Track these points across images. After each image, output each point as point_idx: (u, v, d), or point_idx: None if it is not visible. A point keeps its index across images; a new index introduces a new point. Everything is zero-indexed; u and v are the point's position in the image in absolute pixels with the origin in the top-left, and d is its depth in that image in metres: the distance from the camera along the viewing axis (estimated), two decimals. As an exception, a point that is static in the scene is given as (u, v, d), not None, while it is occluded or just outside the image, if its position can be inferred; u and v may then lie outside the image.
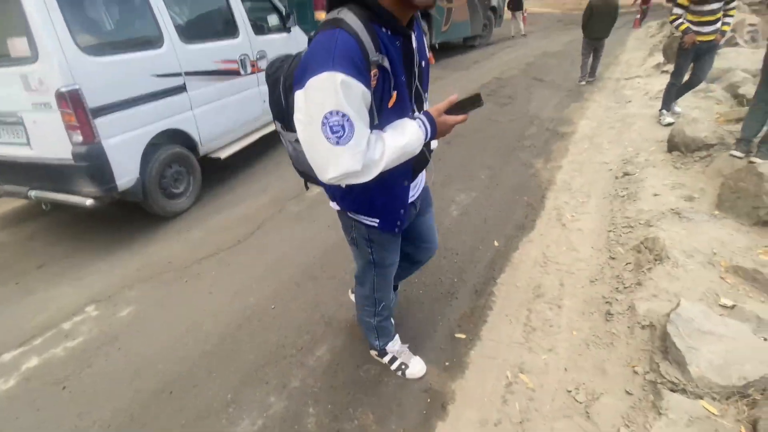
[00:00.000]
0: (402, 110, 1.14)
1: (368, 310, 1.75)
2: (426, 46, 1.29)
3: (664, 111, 4.73)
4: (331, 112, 0.95)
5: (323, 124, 0.96)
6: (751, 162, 2.90)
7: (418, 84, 1.21)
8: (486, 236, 2.97)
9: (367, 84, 0.99)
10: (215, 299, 2.40)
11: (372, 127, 1.08)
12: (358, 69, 0.95)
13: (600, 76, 7.51)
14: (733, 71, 5.89)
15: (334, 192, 1.37)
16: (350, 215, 1.40)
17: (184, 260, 2.76)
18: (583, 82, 7.15)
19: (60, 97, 2.43)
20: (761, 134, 3.20)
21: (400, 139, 1.09)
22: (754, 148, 3.20)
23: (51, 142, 2.61)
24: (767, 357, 1.57)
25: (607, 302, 2.20)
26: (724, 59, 6.57)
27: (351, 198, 1.33)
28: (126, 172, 2.81)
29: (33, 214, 3.44)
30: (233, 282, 2.53)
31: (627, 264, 2.44)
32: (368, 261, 1.53)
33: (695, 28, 4.18)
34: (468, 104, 1.17)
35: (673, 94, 4.64)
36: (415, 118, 1.14)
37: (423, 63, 1.22)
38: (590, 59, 7.07)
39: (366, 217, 1.37)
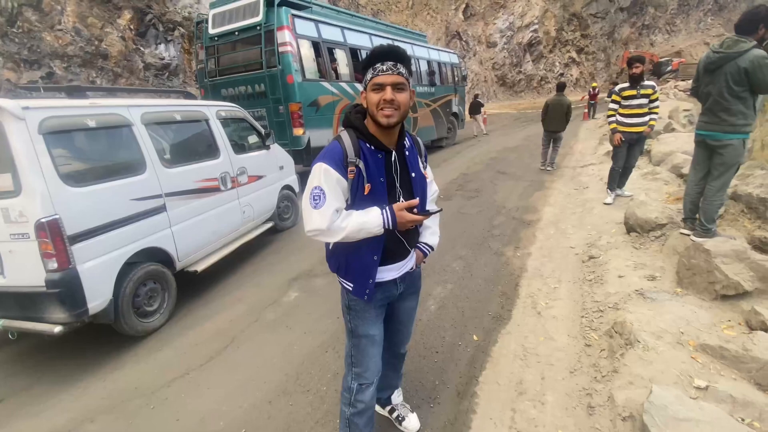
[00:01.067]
0: (375, 200, 1.49)
1: (345, 397, 1.75)
2: (420, 163, 1.66)
3: (608, 191, 5.41)
4: (315, 187, 1.43)
5: (310, 193, 1.44)
6: (692, 240, 3.11)
7: (399, 188, 1.55)
8: (464, 330, 2.96)
9: (343, 174, 1.44)
10: (182, 427, 2.25)
11: (348, 206, 1.49)
12: (337, 164, 1.44)
13: (558, 164, 8.24)
14: (675, 153, 6.54)
15: (327, 254, 1.68)
16: (339, 280, 1.68)
17: (152, 384, 2.63)
18: (544, 168, 8.07)
19: (39, 227, 2.52)
20: (699, 215, 3.47)
21: (363, 219, 1.45)
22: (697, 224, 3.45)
23: (25, 270, 2.63)
24: (747, 442, 1.54)
25: (587, 394, 2.16)
26: (664, 144, 7.35)
27: (334, 259, 1.65)
28: (99, 295, 2.80)
29: (-4, 345, 3.30)
30: (202, 406, 2.39)
31: (602, 351, 2.45)
32: (347, 330, 1.75)
33: (626, 120, 4.93)
34: (427, 212, 1.55)
35: (615, 177, 5.31)
36: (382, 208, 1.46)
37: (413, 174, 1.60)
38: (549, 149, 7.96)
39: (345, 281, 1.65)
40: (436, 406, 2.28)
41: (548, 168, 8.01)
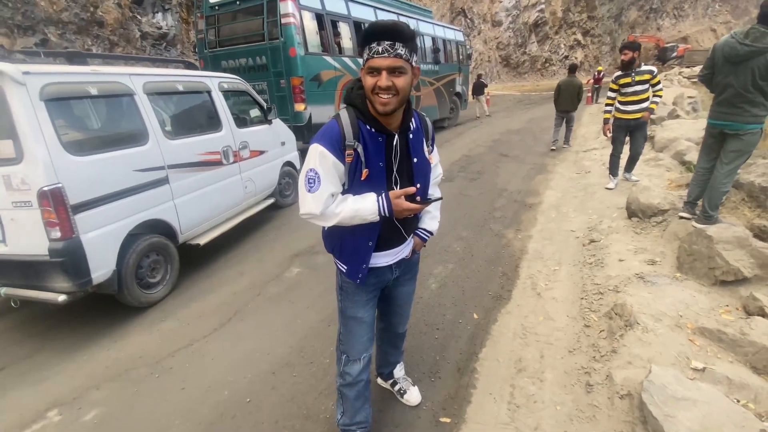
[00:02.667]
0: (373, 185, 1.43)
1: (337, 370, 1.80)
2: (425, 147, 1.57)
3: (610, 176, 5.38)
4: (311, 169, 1.38)
5: (306, 175, 1.39)
6: (693, 226, 3.13)
7: (396, 174, 1.48)
8: (465, 309, 3.00)
9: (340, 158, 1.37)
10: (187, 396, 2.29)
11: (344, 190, 1.44)
12: (334, 147, 1.36)
13: (571, 144, 8.43)
14: (678, 140, 6.51)
15: (323, 234, 1.67)
16: (334, 260, 1.67)
17: (156, 354, 2.66)
18: (554, 147, 8.30)
19: (42, 195, 2.49)
20: (703, 200, 3.48)
21: (358, 205, 1.40)
22: (698, 210, 3.47)
23: (27, 238, 2.62)
24: (742, 420, 1.59)
25: (586, 372, 2.21)
26: (668, 130, 7.30)
27: (330, 240, 1.64)
28: (102, 265, 2.80)
29: (0, 312, 3.31)
30: (207, 375, 2.43)
31: (601, 331, 2.49)
32: (338, 309, 1.76)
33: (623, 108, 4.88)
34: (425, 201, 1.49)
35: (616, 163, 5.27)
36: (378, 195, 1.41)
37: (415, 159, 1.52)
38: (562, 129, 8.23)
39: (339, 262, 1.64)
40: (437, 380, 2.33)
41: (564, 146, 8.45)
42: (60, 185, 2.54)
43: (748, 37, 2.94)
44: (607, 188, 5.24)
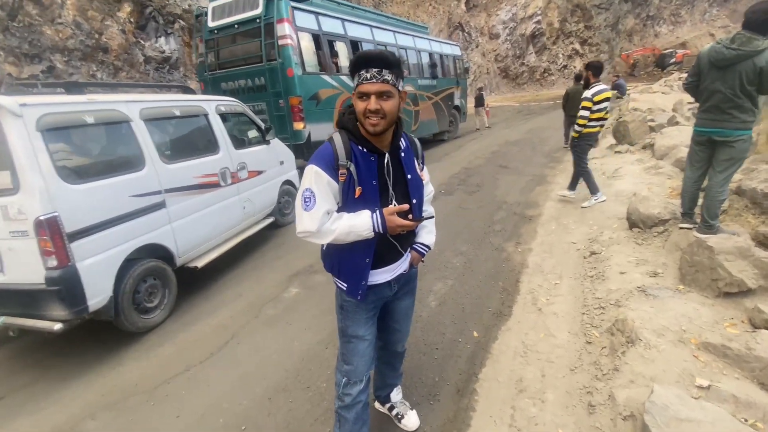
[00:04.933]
0: (367, 203, 1.48)
1: (337, 391, 1.77)
2: (417, 164, 1.64)
3: (596, 195, 5.17)
4: (306, 189, 1.44)
5: (302, 195, 1.45)
6: (694, 236, 3.08)
7: (392, 191, 1.54)
8: (465, 327, 2.95)
9: (334, 177, 1.44)
10: (183, 424, 2.26)
11: (339, 208, 1.49)
12: (328, 167, 1.43)
13: (561, 157, 8.40)
14: (678, 147, 6.47)
15: (322, 253, 1.69)
16: (333, 279, 1.69)
17: (152, 381, 2.64)
18: (567, 146, 8.79)
19: (38, 224, 2.51)
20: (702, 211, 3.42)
21: (352, 222, 1.45)
22: (699, 218, 3.43)
23: (24, 267, 2.63)
24: (749, 443, 1.53)
25: (588, 392, 2.15)
26: (668, 137, 7.26)
27: (328, 259, 1.67)
28: (99, 292, 2.80)
29: (-2, 341, 3.31)
30: (202, 402, 2.40)
31: (603, 348, 2.43)
32: (338, 329, 1.77)
33: (594, 123, 5.11)
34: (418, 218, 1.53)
35: (588, 173, 5.24)
36: (372, 212, 1.45)
37: (409, 176, 1.58)
38: (571, 131, 8.38)
39: (338, 281, 1.66)
40: (436, 403, 2.28)
41: (568, 147, 8.70)
42: (56, 214, 2.56)
43: (734, 42, 2.95)
44: (583, 206, 5.15)
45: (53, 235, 2.53)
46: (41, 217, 2.50)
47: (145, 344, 3.07)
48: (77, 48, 10.64)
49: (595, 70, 5.22)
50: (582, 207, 5.12)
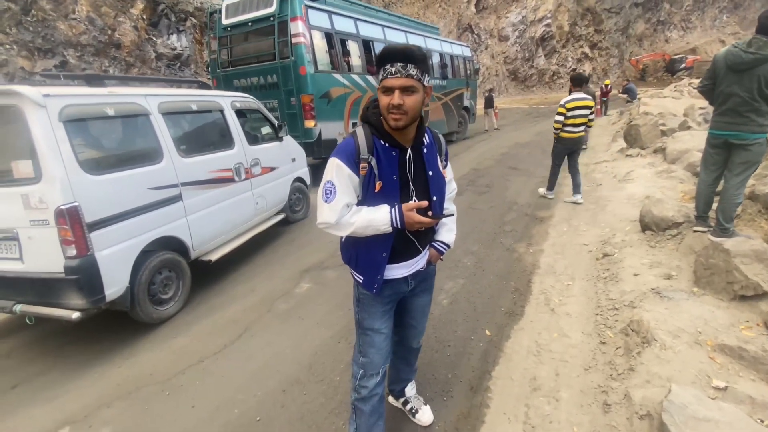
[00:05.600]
0: (387, 197, 1.49)
1: (353, 383, 1.78)
2: (439, 161, 1.64)
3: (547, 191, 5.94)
4: (328, 181, 1.47)
5: (323, 187, 1.48)
6: (710, 239, 3.07)
7: (413, 186, 1.54)
8: (477, 325, 2.96)
9: (355, 170, 1.46)
10: (197, 414, 2.28)
11: (359, 202, 1.51)
12: (350, 160, 1.45)
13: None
14: (690, 152, 6.43)
15: (341, 245, 1.72)
16: (351, 271, 1.71)
17: (167, 371, 2.66)
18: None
19: (59, 213, 2.54)
20: (717, 214, 3.41)
21: (371, 216, 1.46)
22: (713, 223, 3.41)
23: (44, 256, 2.67)
24: (769, 444, 1.52)
25: (603, 391, 2.15)
26: (680, 141, 7.22)
27: (346, 251, 1.69)
28: (116, 282, 2.83)
29: (15, 328, 3.35)
30: (217, 393, 2.42)
31: (617, 348, 2.43)
32: (355, 321, 1.79)
33: (570, 129, 5.48)
34: (437, 215, 1.55)
35: (557, 175, 5.89)
36: (392, 206, 1.46)
37: (430, 172, 1.58)
38: None
39: (355, 273, 1.67)
40: (449, 399, 2.29)
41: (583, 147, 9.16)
42: (77, 204, 2.59)
43: (751, 46, 2.95)
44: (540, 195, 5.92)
45: (73, 224, 2.57)
46: (62, 207, 2.54)
47: (159, 335, 3.10)
48: (90, 43, 10.77)
49: (574, 81, 5.59)
50: (543, 196, 5.83)
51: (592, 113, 5.48)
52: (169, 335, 3.09)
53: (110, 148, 3.09)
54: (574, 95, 5.44)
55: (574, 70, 33.96)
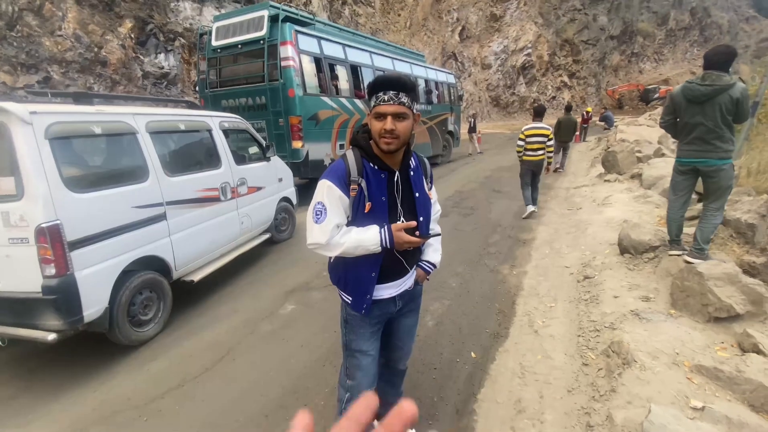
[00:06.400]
0: (376, 218, 1.53)
1: (339, 407, 1.79)
2: (425, 183, 1.71)
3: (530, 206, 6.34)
4: (318, 202, 1.50)
5: (314, 208, 1.51)
6: (686, 262, 3.19)
7: (400, 207, 1.59)
8: (463, 347, 2.97)
9: (345, 192, 1.50)
10: (177, 440, 2.21)
11: (349, 222, 1.54)
12: (340, 181, 1.49)
13: (552, 183, 8.57)
14: (665, 178, 6.69)
15: (329, 266, 1.74)
16: (339, 292, 1.72)
17: (145, 395, 2.58)
18: (556, 170, 10.17)
19: (40, 232, 2.49)
20: (696, 235, 3.55)
21: (361, 236, 1.49)
22: (686, 246, 3.55)
23: (21, 275, 2.60)
24: (745, 464, 1.57)
25: (586, 413, 2.18)
26: (655, 168, 7.52)
27: (335, 272, 1.71)
28: (95, 303, 2.76)
29: (-17, 352, 3.21)
30: (197, 418, 2.35)
31: (599, 370, 2.47)
32: (342, 344, 1.79)
33: (530, 153, 6.10)
34: (425, 235, 1.57)
35: (527, 192, 6.35)
36: (381, 227, 1.50)
37: (417, 194, 1.63)
38: (560, 156, 10.34)
39: (344, 294, 1.69)
40: (435, 423, 2.27)
41: (560, 170, 10.31)
42: (58, 222, 2.55)
43: (706, 80, 3.18)
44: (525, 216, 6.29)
45: (54, 243, 2.52)
46: (43, 225, 2.49)
47: (138, 358, 3.01)
48: (75, 60, 10.72)
49: (535, 111, 6.27)
50: (527, 216, 6.27)
51: (550, 140, 6.06)
52: (149, 358, 3.00)
53: (95, 166, 3.06)
54: (533, 124, 6.09)
55: (554, 98, 35.25)
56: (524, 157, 6.16)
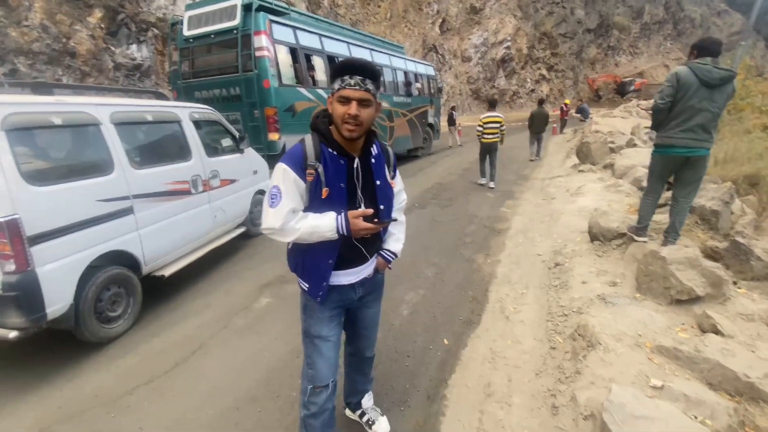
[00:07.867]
0: (333, 205, 1.51)
1: (301, 399, 1.76)
2: (387, 172, 1.68)
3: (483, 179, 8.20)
4: (274, 186, 1.49)
5: (269, 192, 1.50)
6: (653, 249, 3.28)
7: (360, 194, 1.57)
8: (436, 335, 3.01)
9: (301, 176, 1.47)
10: (145, 435, 2.17)
11: (306, 208, 1.52)
12: (296, 165, 1.47)
13: (542, 157, 9.94)
14: (636, 167, 6.88)
15: (288, 252, 1.72)
16: (297, 279, 1.71)
17: (113, 392, 2.53)
18: (533, 159, 11.24)
19: (-4, 227, 2.40)
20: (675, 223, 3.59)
21: (317, 222, 1.48)
22: (653, 233, 3.65)
23: (-23, 272, 2.50)
24: (696, 436, 1.64)
25: (552, 395, 2.24)
26: (626, 158, 7.72)
27: (293, 258, 1.70)
28: (58, 299, 2.68)
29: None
30: (167, 413, 2.32)
31: (566, 353, 2.54)
32: (302, 330, 1.78)
33: (488, 136, 7.81)
34: (381, 222, 1.55)
35: (483, 167, 8.20)
36: (338, 213, 1.49)
37: (378, 182, 1.62)
38: (535, 146, 11.33)
39: (302, 281, 1.68)
40: (407, 409, 2.30)
41: (535, 159, 11.23)
42: (17, 216, 2.45)
43: (719, 65, 3.07)
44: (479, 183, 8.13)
45: (13, 237, 2.42)
46: (1, 219, 2.39)
47: (106, 355, 2.94)
48: (43, 51, 10.27)
49: (489, 103, 8.23)
50: (478, 183, 8.17)
51: (503, 126, 7.75)
52: (117, 355, 2.94)
53: (56, 158, 2.95)
54: (488, 113, 7.83)
55: (533, 90, 35.68)
56: (482, 140, 7.79)
